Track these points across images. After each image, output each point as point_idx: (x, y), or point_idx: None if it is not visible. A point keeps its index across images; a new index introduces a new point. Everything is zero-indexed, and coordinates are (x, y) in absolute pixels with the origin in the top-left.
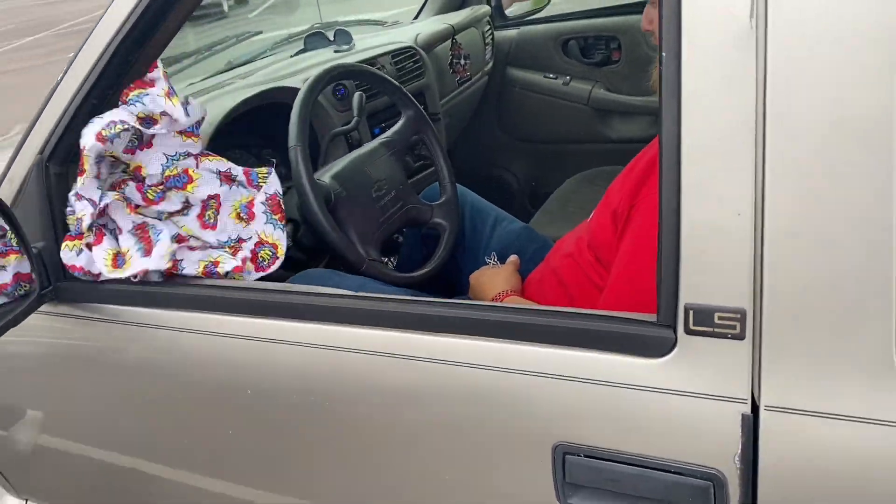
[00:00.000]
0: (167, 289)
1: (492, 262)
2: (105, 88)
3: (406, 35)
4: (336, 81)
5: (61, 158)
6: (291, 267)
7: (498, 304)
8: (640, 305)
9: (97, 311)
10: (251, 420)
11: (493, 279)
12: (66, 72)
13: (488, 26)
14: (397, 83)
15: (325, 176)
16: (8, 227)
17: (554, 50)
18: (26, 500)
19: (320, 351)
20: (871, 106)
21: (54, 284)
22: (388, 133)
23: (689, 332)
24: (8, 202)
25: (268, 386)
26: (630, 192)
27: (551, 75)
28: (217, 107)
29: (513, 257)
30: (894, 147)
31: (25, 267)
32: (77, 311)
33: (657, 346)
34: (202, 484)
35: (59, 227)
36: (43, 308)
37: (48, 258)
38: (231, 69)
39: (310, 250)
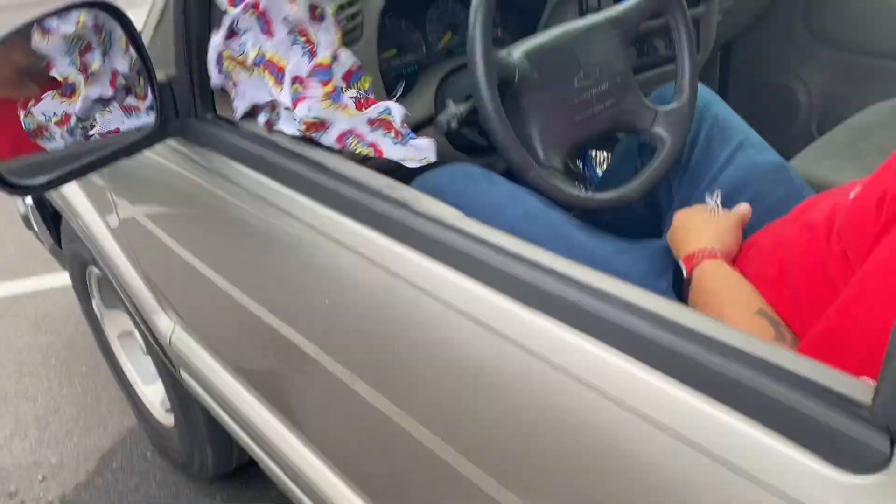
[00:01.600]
0: (294, 166)
1: (713, 201)
2: None
3: None
4: None
5: None
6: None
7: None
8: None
9: (227, 165)
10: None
11: (703, 228)
12: None
13: None
14: None
15: (517, 50)
16: (135, 51)
17: None
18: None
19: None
20: None
21: (182, 120)
22: (620, 7)
23: None
24: (148, 29)
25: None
26: None
27: None
28: None
29: (743, 206)
30: None
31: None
32: (206, 156)
33: (857, 455)
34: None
35: (193, 56)
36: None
37: (178, 90)
38: None
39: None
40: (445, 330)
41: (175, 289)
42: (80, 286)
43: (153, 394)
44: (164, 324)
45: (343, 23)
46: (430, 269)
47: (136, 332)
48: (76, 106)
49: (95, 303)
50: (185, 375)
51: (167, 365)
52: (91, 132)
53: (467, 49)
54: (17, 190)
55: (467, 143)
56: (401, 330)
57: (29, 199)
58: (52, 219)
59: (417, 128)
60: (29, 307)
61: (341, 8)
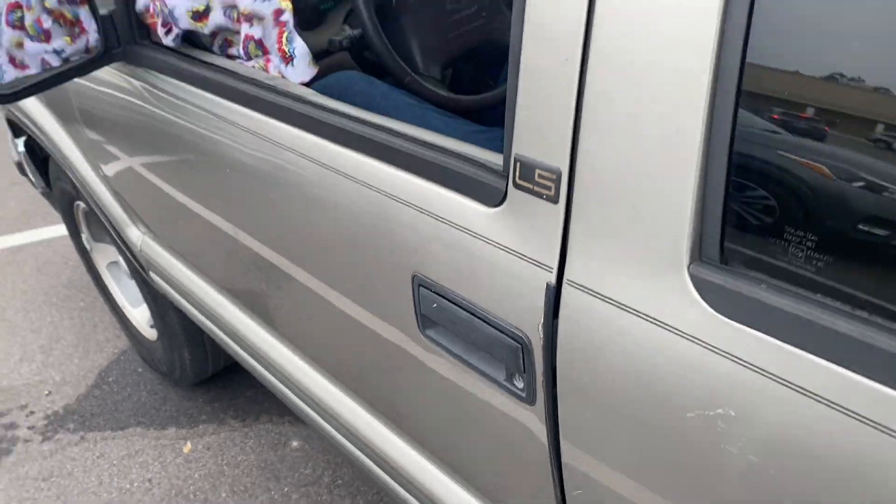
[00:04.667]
0: (213, 75)
1: None
2: None
3: None
4: None
5: None
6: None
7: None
8: None
9: (162, 80)
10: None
11: None
12: None
13: None
14: None
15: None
16: None
17: None
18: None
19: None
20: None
21: (123, 46)
22: None
23: (516, 185)
24: None
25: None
26: None
27: None
28: None
29: None
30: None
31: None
32: (146, 75)
33: (491, 195)
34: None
35: None
36: (117, 67)
37: (119, 21)
38: None
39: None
40: (308, 178)
41: (140, 203)
42: (70, 222)
43: (139, 314)
44: (135, 235)
45: None
46: (300, 137)
47: (121, 260)
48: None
49: (84, 237)
50: (153, 276)
51: (139, 269)
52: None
53: None
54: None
55: (371, 64)
56: (282, 187)
57: (21, 147)
58: (41, 163)
59: (327, 52)
60: (31, 256)
61: None
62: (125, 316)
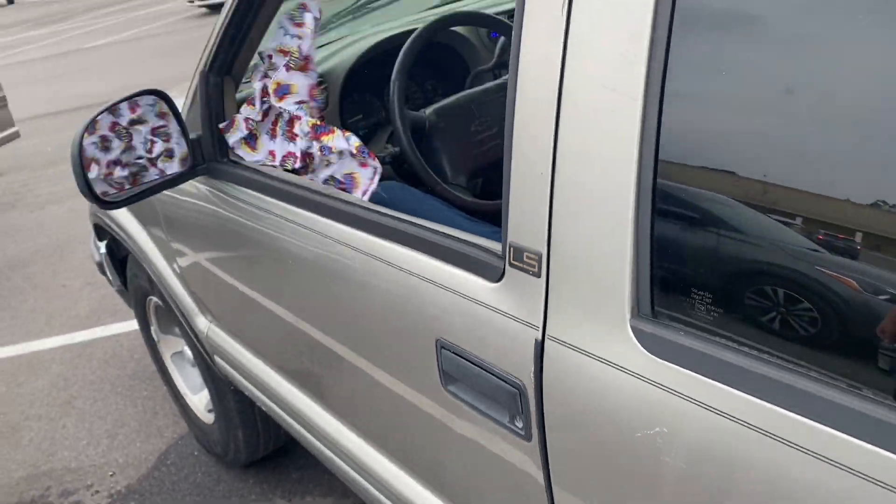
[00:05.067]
0: (281, 185)
1: None
2: (240, 20)
3: None
4: (448, 27)
5: (217, 70)
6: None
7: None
8: None
9: (238, 191)
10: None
11: None
12: (224, 8)
13: None
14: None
15: (430, 109)
16: (175, 121)
17: None
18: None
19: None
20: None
21: (208, 163)
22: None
23: (511, 265)
24: (184, 105)
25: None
26: None
27: None
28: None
29: None
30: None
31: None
32: (224, 187)
33: (494, 273)
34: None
35: (214, 122)
36: (202, 181)
37: (204, 144)
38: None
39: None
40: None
41: (209, 295)
42: (142, 315)
43: (198, 400)
44: (202, 322)
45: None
46: (350, 233)
47: (185, 348)
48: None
49: (153, 329)
50: (217, 359)
51: (204, 355)
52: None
53: (389, 111)
54: (105, 204)
55: (411, 175)
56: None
57: (103, 249)
58: (119, 263)
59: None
60: (100, 349)
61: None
62: (185, 402)
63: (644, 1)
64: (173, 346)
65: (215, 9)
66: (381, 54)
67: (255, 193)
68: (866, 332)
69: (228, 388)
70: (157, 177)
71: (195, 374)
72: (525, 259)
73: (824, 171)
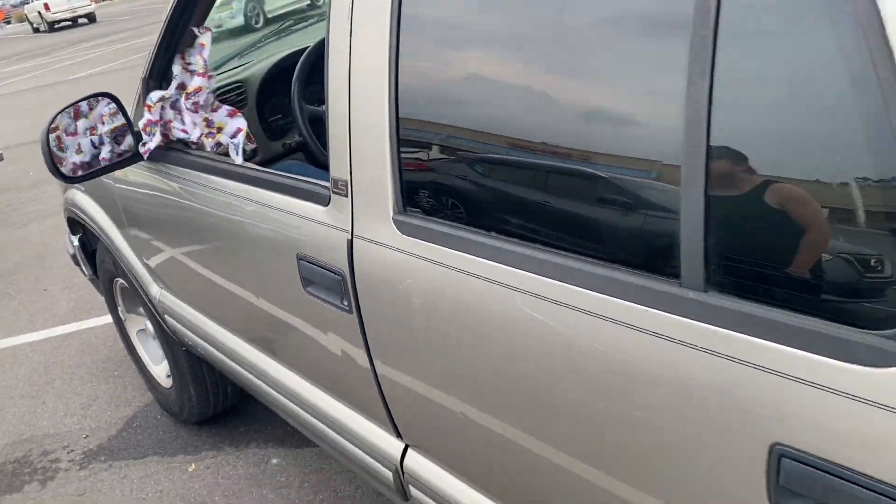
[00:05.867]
0: (197, 159)
1: None
2: (173, 34)
3: None
4: None
5: (154, 77)
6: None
7: None
8: None
9: (172, 169)
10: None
11: None
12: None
13: None
14: None
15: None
16: (123, 117)
17: None
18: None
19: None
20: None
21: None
22: None
23: (333, 192)
24: (133, 105)
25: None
26: None
27: None
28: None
29: None
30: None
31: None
32: (161, 167)
33: (325, 200)
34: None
35: None
36: (146, 165)
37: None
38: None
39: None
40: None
41: (158, 264)
42: (110, 298)
43: (160, 370)
44: (155, 290)
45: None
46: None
47: (148, 324)
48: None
49: (120, 309)
50: (167, 318)
51: (157, 316)
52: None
53: (291, 104)
54: (67, 179)
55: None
56: (244, 234)
57: (76, 242)
58: (90, 255)
59: (286, 153)
60: (77, 340)
61: (234, 90)
62: (149, 372)
63: (384, 17)
64: (138, 324)
65: None
66: (290, 65)
67: (182, 169)
68: (539, 204)
69: (180, 348)
70: (107, 161)
71: (156, 347)
72: (339, 186)
73: (501, 109)
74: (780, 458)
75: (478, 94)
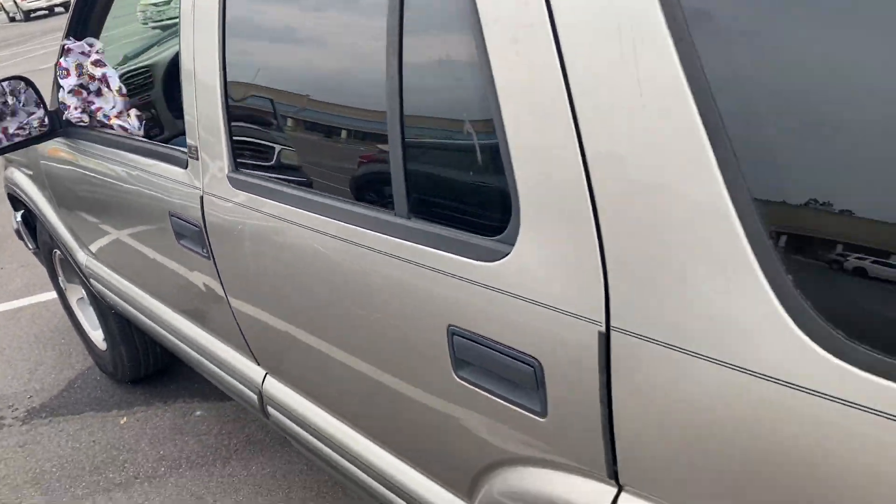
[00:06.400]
0: (108, 135)
1: None
2: (79, 23)
3: None
4: None
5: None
6: None
7: None
8: None
9: (85, 145)
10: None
11: None
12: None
13: None
14: None
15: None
16: (38, 97)
17: None
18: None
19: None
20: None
21: (65, 128)
22: None
23: (188, 156)
24: (52, 87)
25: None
26: None
27: None
28: None
29: None
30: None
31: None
32: (77, 144)
33: (184, 164)
34: None
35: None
36: (63, 141)
37: (57, 115)
38: None
39: None
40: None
41: (83, 232)
42: (51, 268)
43: (97, 334)
44: (82, 256)
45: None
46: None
47: (85, 294)
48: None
49: (61, 279)
50: (93, 282)
51: (84, 279)
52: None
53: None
54: None
55: None
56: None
57: (19, 217)
58: (32, 230)
59: None
60: (28, 313)
61: (143, 74)
62: (88, 337)
63: (213, 22)
64: (77, 293)
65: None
66: None
67: (93, 144)
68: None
69: (109, 311)
70: (22, 138)
71: (93, 313)
72: (192, 151)
73: (287, 85)
74: (453, 336)
75: (274, 75)
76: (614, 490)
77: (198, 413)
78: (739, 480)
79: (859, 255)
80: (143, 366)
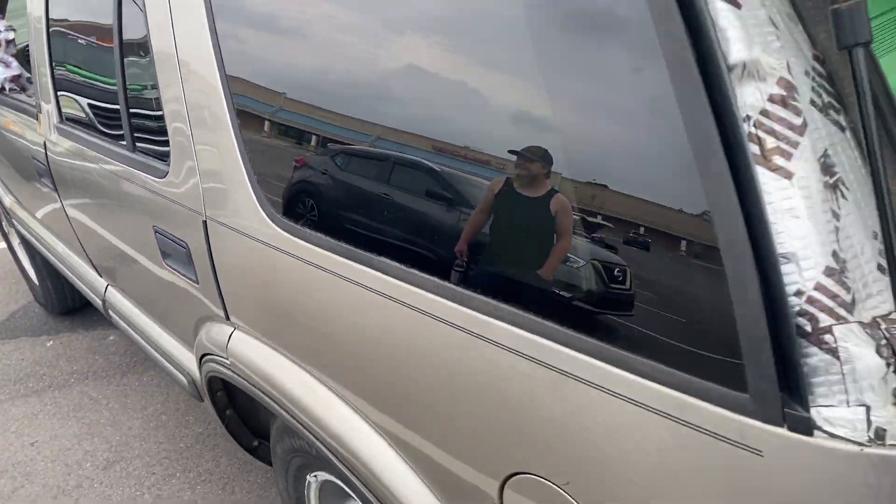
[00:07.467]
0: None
1: None
2: None
3: None
4: None
5: None
6: None
7: None
8: None
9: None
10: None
11: None
12: None
13: None
14: None
15: None
16: None
17: None
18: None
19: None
20: None
21: None
22: None
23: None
24: None
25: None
26: None
27: None
28: None
29: None
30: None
31: None
32: None
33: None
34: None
35: None
36: None
37: None
38: None
39: None
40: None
41: (7, 179)
42: None
43: (34, 272)
44: (7, 201)
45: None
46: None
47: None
48: None
49: (4, 223)
50: (14, 221)
51: (9, 221)
52: None
53: None
54: None
55: None
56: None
57: None
58: None
59: None
60: None
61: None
62: (27, 274)
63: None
64: (17, 238)
65: None
66: None
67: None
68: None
69: (35, 251)
70: None
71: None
72: (38, 107)
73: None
74: (157, 234)
75: (76, 50)
76: (232, 328)
77: (111, 338)
78: (276, 310)
79: (322, 176)
80: (69, 299)
